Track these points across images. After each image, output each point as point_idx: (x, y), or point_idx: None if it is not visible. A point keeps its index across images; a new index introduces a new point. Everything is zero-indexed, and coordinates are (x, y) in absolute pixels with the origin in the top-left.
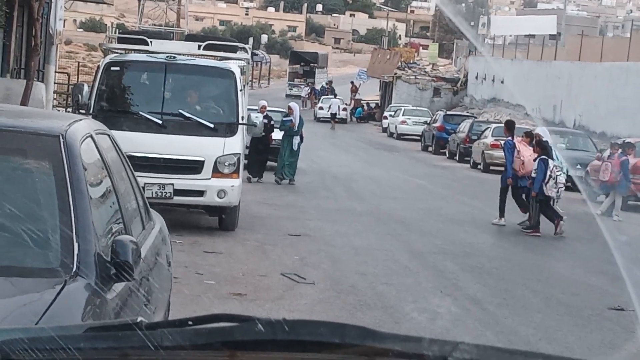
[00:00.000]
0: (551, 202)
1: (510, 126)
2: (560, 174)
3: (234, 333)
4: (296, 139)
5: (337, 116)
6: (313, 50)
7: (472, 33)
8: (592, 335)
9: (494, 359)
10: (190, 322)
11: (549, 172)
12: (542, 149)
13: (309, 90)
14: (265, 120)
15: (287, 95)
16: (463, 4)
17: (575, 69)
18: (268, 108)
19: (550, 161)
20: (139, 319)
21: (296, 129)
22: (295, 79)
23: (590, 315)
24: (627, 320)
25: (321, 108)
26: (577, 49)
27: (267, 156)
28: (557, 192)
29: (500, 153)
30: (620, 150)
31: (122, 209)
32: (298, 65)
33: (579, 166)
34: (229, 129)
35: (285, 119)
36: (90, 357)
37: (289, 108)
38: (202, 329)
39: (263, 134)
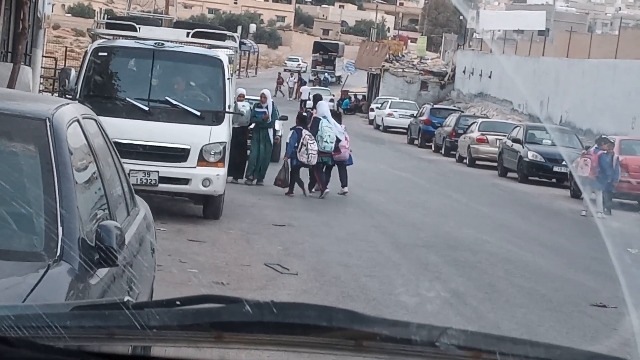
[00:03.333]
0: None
1: (316, 98)
2: (313, 143)
3: (222, 314)
4: (270, 132)
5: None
6: (300, 41)
7: (469, 14)
8: (573, 331)
9: (481, 344)
10: (178, 303)
11: (301, 140)
12: (301, 120)
13: (296, 80)
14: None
15: (309, 81)
16: None
17: (563, 65)
18: (246, 96)
19: (304, 131)
20: (126, 298)
21: (270, 120)
22: (317, 66)
23: (572, 311)
24: (608, 317)
25: (308, 99)
26: (566, 45)
27: (247, 151)
28: (308, 158)
29: (486, 147)
30: (595, 145)
31: (107, 194)
32: (318, 54)
33: (564, 162)
34: (215, 118)
35: (258, 109)
36: (76, 335)
37: (262, 96)
38: (190, 310)
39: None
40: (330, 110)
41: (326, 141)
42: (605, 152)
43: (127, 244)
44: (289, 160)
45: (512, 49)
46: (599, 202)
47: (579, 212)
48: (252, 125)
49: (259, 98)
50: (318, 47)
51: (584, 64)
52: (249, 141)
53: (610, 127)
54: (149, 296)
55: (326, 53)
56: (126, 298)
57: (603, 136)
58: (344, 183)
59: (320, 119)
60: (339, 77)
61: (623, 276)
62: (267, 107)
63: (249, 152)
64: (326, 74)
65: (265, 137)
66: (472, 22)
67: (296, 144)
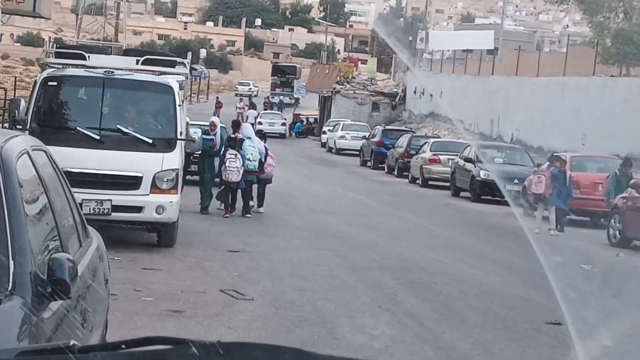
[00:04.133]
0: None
1: (234, 124)
2: (234, 160)
3: (168, 356)
4: (216, 160)
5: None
6: (251, 65)
7: (407, 53)
8: (529, 349)
9: None
10: (123, 346)
11: (224, 160)
12: (229, 141)
13: (246, 104)
14: None
15: (269, 102)
16: (401, 19)
17: (512, 83)
18: (190, 122)
19: (229, 151)
20: (72, 342)
21: (217, 148)
22: (276, 89)
23: (527, 329)
24: (564, 335)
25: (260, 123)
26: (514, 63)
27: (185, 177)
28: (227, 175)
29: (439, 167)
30: (548, 162)
31: (58, 226)
32: (276, 77)
33: (516, 181)
34: (167, 145)
35: (205, 136)
36: None
37: (212, 124)
38: (136, 353)
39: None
40: (257, 131)
41: (249, 159)
42: (558, 169)
43: (80, 275)
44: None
45: (462, 69)
46: (552, 219)
47: (532, 229)
48: (199, 152)
49: (207, 124)
50: (276, 70)
51: (533, 82)
52: (193, 166)
53: (561, 144)
54: (103, 328)
55: (284, 76)
56: (72, 342)
57: (555, 154)
58: (260, 203)
59: (244, 140)
60: (297, 100)
61: (577, 293)
62: (215, 135)
63: (187, 177)
64: (281, 97)
65: (210, 164)
66: (422, 43)
67: (222, 164)
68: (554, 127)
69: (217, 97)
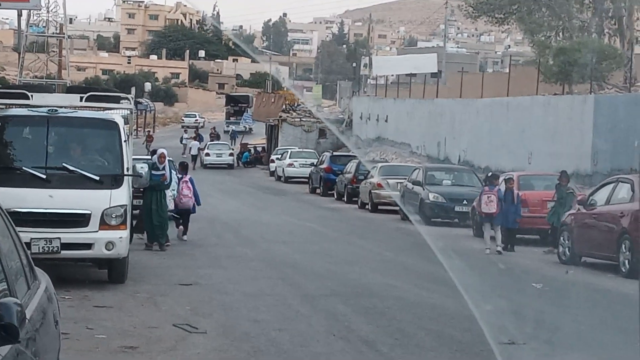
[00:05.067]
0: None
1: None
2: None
3: None
4: (168, 193)
5: (198, 157)
6: (196, 97)
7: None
8: None
9: None
10: None
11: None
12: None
13: (191, 136)
14: None
15: (224, 131)
16: (344, 46)
17: (457, 105)
18: (135, 157)
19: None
20: None
21: (168, 181)
22: (231, 117)
23: (481, 350)
24: (519, 354)
25: (208, 154)
26: (458, 85)
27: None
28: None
29: (387, 192)
30: (489, 182)
31: (5, 269)
32: (229, 106)
33: (465, 202)
34: (114, 181)
35: (154, 172)
36: None
37: (161, 156)
38: None
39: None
40: (180, 162)
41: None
42: (499, 187)
43: (29, 318)
44: None
45: (406, 93)
46: (498, 238)
47: (482, 250)
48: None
49: (149, 157)
50: (229, 99)
51: (477, 103)
52: (135, 201)
53: (508, 163)
54: None
55: (237, 105)
56: None
57: (489, 174)
58: (185, 231)
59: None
60: (250, 129)
61: (529, 311)
62: (164, 168)
63: (135, 211)
64: (233, 126)
65: (160, 198)
66: (365, 69)
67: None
68: (500, 147)
69: (149, 132)
